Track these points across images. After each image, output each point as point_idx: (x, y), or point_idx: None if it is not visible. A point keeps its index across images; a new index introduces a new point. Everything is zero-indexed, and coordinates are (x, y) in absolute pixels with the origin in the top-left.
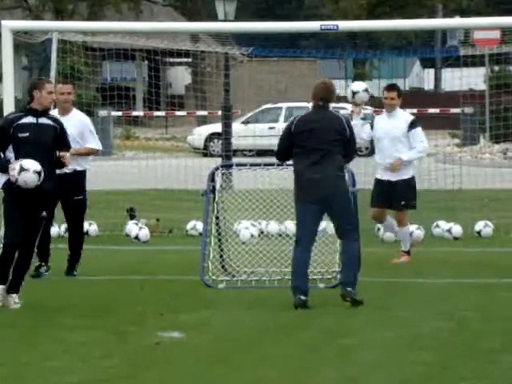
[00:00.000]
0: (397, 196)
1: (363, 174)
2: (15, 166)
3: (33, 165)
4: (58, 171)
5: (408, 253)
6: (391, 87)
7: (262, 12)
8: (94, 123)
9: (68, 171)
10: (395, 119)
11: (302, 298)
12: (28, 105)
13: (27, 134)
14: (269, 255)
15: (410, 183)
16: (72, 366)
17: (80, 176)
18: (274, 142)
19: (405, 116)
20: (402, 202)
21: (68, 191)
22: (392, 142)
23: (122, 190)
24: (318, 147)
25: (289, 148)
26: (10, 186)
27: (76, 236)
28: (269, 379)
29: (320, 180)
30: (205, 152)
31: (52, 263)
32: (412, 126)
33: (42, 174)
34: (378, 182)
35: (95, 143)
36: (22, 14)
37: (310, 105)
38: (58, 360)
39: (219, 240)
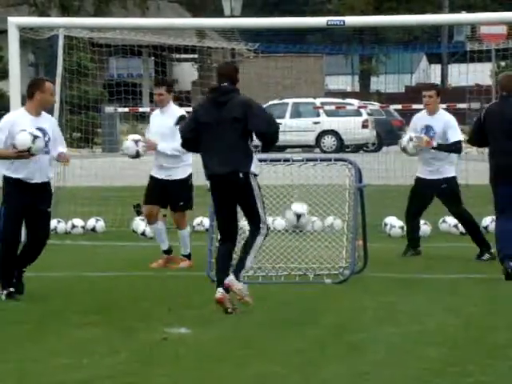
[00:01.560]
0: (173, 196)
1: (370, 169)
2: None
3: None
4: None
5: (189, 257)
6: (159, 82)
7: (268, 7)
8: (101, 119)
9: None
10: (167, 115)
11: None
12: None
13: None
14: (275, 251)
15: (185, 182)
16: (78, 362)
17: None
18: (280, 138)
19: (176, 111)
20: (181, 203)
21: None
22: (163, 138)
23: (129, 187)
24: (504, 134)
25: (480, 133)
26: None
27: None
28: (275, 375)
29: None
30: None
31: (58, 259)
32: (179, 120)
33: None
34: (153, 179)
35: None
36: (28, 11)
37: (316, 100)
38: (64, 356)
39: None
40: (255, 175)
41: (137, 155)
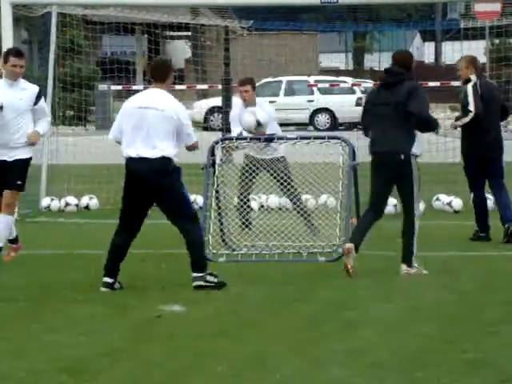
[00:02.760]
0: (13, 175)
1: (363, 147)
2: None
3: None
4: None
5: (17, 240)
6: (21, 53)
7: None
8: (94, 97)
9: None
10: (18, 89)
11: None
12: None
13: None
14: (269, 229)
15: (27, 164)
16: (73, 339)
17: None
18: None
19: (29, 86)
20: (19, 182)
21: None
22: (19, 114)
23: (122, 164)
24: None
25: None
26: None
27: None
28: (271, 352)
29: None
30: (205, 126)
31: (52, 237)
32: (39, 97)
33: None
34: None
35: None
36: None
37: (310, 78)
38: (59, 334)
39: (219, 214)
40: (416, 156)
41: None
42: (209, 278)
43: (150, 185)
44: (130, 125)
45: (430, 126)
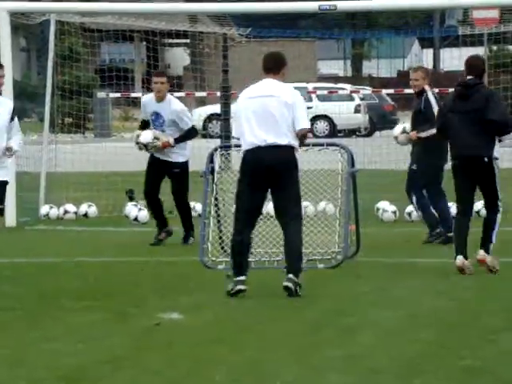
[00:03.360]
0: None
1: (362, 154)
2: None
3: None
4: None
5: None
6: (0, 64)
7: None
8: (93, 104)
9: None
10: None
11: None
12: None
13: None
14: (268, 236)
15: (5, 186)
16: (72, 347)
17: None
18: None
19: (7, 102)
20: (0, 206)
21: None
22: None
23: (121, 172)
24: None
25: None
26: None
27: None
28: (270, 359)
29: None
30: (203, 133)
31: (51, 245)
32: (14, 113)
33: None
34: None
35: None
36: None
37: (308, 85)
38: (58, 342)
39: (218, 221)
40: (496, 159)
41: None
42: (298, 288)
43: (277, 172)
44: (252, 115)
45: (510, 130)
